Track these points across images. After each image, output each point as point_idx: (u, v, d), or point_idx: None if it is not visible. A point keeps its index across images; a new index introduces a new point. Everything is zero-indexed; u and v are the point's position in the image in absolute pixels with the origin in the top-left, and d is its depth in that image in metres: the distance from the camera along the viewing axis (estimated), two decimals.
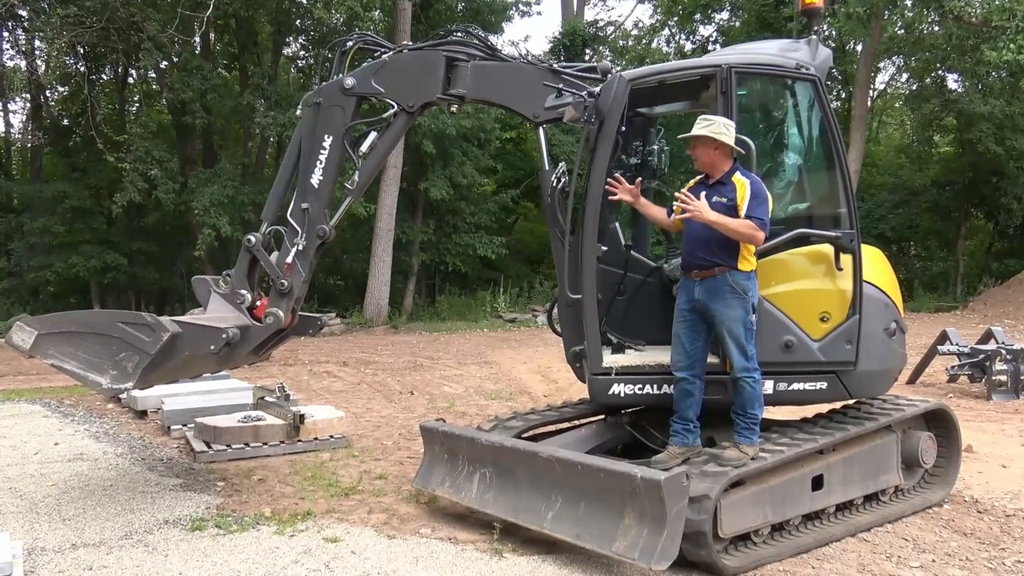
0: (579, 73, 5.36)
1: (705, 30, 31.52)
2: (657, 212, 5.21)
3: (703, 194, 4.77)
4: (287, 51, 24.63)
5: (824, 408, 5.68)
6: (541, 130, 5.44)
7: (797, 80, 5.31)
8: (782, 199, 5.65)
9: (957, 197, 26.73)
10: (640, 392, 5.05)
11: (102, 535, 5.02)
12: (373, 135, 5.40)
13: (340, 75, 5.40)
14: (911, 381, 10.48)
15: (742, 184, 4.70)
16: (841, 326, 5.05)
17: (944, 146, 29.38)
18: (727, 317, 4.68)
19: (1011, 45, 16.53)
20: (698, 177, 4.98)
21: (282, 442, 7.12)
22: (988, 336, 10.26)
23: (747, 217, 4.63)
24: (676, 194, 4.80)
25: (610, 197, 4.98)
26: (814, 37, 5.44)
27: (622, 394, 5.03)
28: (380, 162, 5.60)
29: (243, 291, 5.37)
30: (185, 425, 7.74)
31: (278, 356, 13.58)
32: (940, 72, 24.83)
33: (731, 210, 4.67)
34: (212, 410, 7.77)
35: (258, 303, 5.40)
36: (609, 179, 4.98)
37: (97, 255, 20.62)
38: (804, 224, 5.27)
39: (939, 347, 10.22)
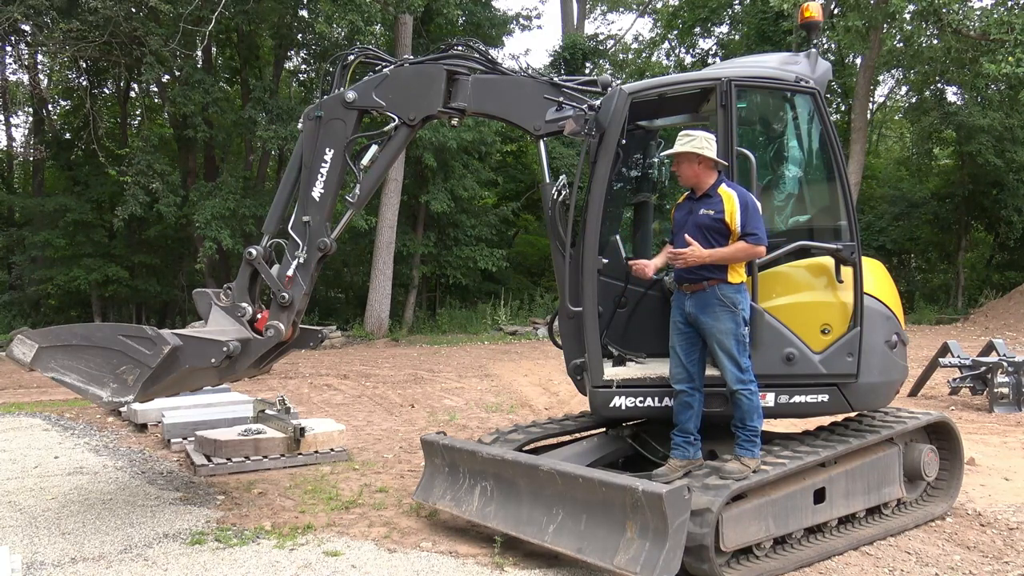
0: (579, 86, 5.38)
1: (705, 44, 31.79)
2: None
3: (692, 210, 4.82)
4: (288, 65, 24.77)
5: (826, 421, 5.68)
6: (542, 143, 5.45)
7: (797, 93, 5.34)
8: (782, 211, 5.67)
9: (957, 209, 26.79)
10: (641, 404, 5.04)
11: (101, 549, 5.00)
12: (374, 148, 5.42)
13: (341, 89, 5.43)
14: (913, 393, 10.46)
15: (729, 197, 4.71)
16: (842, 338, 5.05)
17: (944, 158, 29.48)
18: (717, 330, 4.69)
19: (1009, 58, 16.60)
20: (686, 193, 5.00)
21: (282, 455, 7.11)
22: (989, 348, 10.25)
23: (743, 232, 4.66)
24: (668, 251, 4.80)
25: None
26: (813, 50, 5.47)
27: (623, 407, 5.02)
28: (381, 175, 5.61)
29: (244, 304, 5.38)
30: (185, 438, 7.73)
31: (279, 369, 13.57)
32: (939, 85, 24.93)
33: (718, 223, 4.71)
34: (212, 423, 7.77)
35: (259, 316, 5.41)
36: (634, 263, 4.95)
37: (98, 268, 20.67)
38: (805, 236, 5.29)
39: (940, 359, 10.22)
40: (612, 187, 5.17)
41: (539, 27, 43.25)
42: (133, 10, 17.33)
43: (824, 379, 5.07)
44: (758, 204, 4.76)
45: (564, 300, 5.14)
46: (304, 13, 21.20)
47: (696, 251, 4.63)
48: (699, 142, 4.75)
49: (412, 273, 22.92)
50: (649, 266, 4.85)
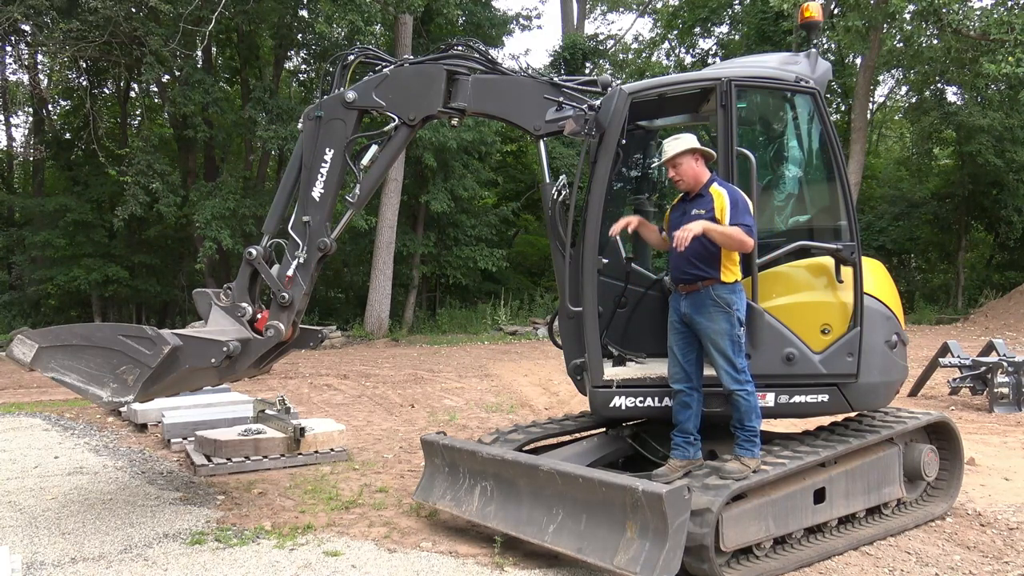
0: (579, 86, 5.38)
1: (705, 43, 31.83)
2: (651, 234, 5.19)
3: (685, 211, 4.83)
4: (288, 65, 24.78)
5: (826, 421, 5.68)
6: (542, 143, 5.45)
7: (797, 93, 5.34)
8: (782, 211, 5.66)
9: (957, 209, 26.80)
10: (641, 404, 5.04)
11: (102, 549, 5.00)
12: (374, 148, 5.42)
13: (341, 89, 5.43)
14: (913, 393, 10.46)
15: (719, 195, 4.72)
16: (842, 338, 5.05)
17: (944, 158, 29.49)
18: (711, 331, 4.69)
19: (1009, 58, 16.61)
20: (681, 195, 5.01)
21: (282, 455, 7.11)
22: (989, 348, 10.25)
23: (733, 226, 4.65)
24: (676, 235, 4.68)
25: (611, 233, 5.00)
26: (813, 50, 5.47)
27: (623, 407, 5.02)
28: (381, 175, 5.62)
29: (244, 304, 5.38)
30: (185, 438, 7.73)
31: (279, 369, 13.57)
32: (939, 85, 24.94)
33: (710, 221, 4.69)
34: (212, 423, 7.77)
35: (259, 316, 5.41)
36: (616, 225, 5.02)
37: (98, 268, 20.67)
38: (805, 236, 5.30)
39: (940, 359, 10.21)
40: (612, 187, 5.17)
41: (539, 27, 43.32)
42: (133, 10, 17.34)
43: (824, 379, 5.06)
44: (749, 202, 4.75)
45: (564, 300, 5.14)
46: (304, 13, 21.21)
47: (691, 227, 4.55)
48: (689, 139, 4.79)
49: (412, 273, 22.93)
50: (631, 222, 4.97)
